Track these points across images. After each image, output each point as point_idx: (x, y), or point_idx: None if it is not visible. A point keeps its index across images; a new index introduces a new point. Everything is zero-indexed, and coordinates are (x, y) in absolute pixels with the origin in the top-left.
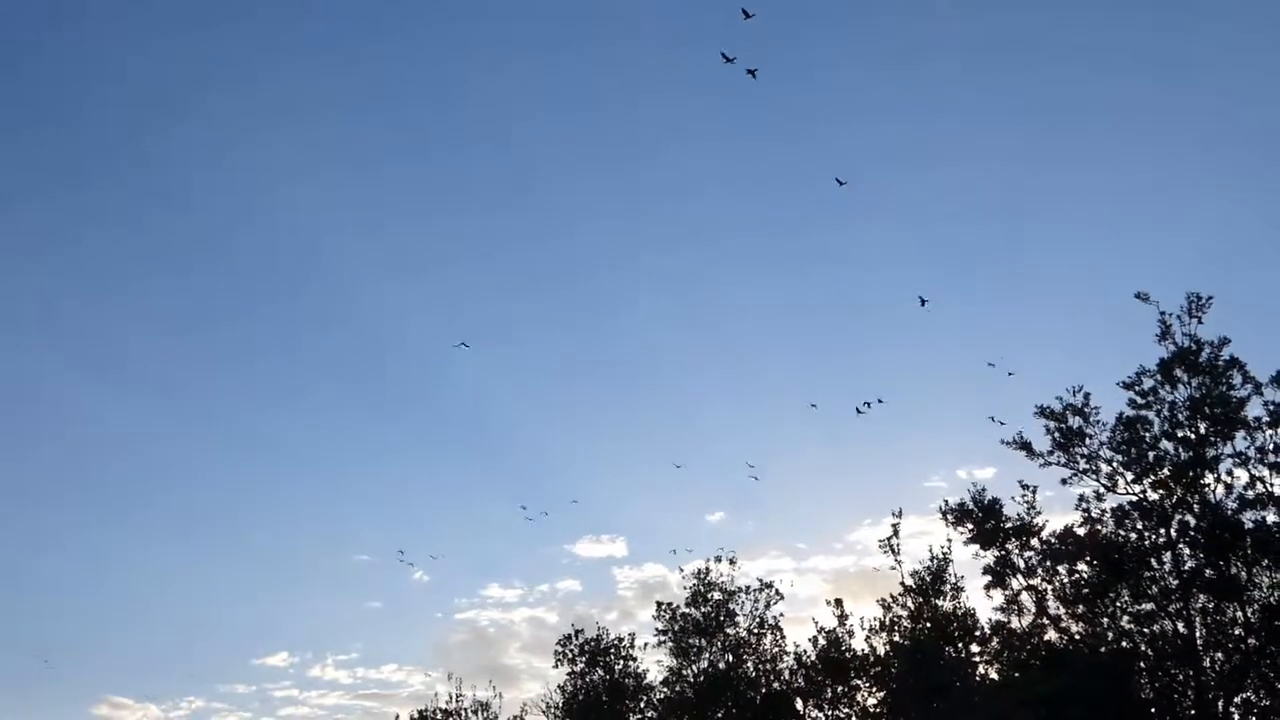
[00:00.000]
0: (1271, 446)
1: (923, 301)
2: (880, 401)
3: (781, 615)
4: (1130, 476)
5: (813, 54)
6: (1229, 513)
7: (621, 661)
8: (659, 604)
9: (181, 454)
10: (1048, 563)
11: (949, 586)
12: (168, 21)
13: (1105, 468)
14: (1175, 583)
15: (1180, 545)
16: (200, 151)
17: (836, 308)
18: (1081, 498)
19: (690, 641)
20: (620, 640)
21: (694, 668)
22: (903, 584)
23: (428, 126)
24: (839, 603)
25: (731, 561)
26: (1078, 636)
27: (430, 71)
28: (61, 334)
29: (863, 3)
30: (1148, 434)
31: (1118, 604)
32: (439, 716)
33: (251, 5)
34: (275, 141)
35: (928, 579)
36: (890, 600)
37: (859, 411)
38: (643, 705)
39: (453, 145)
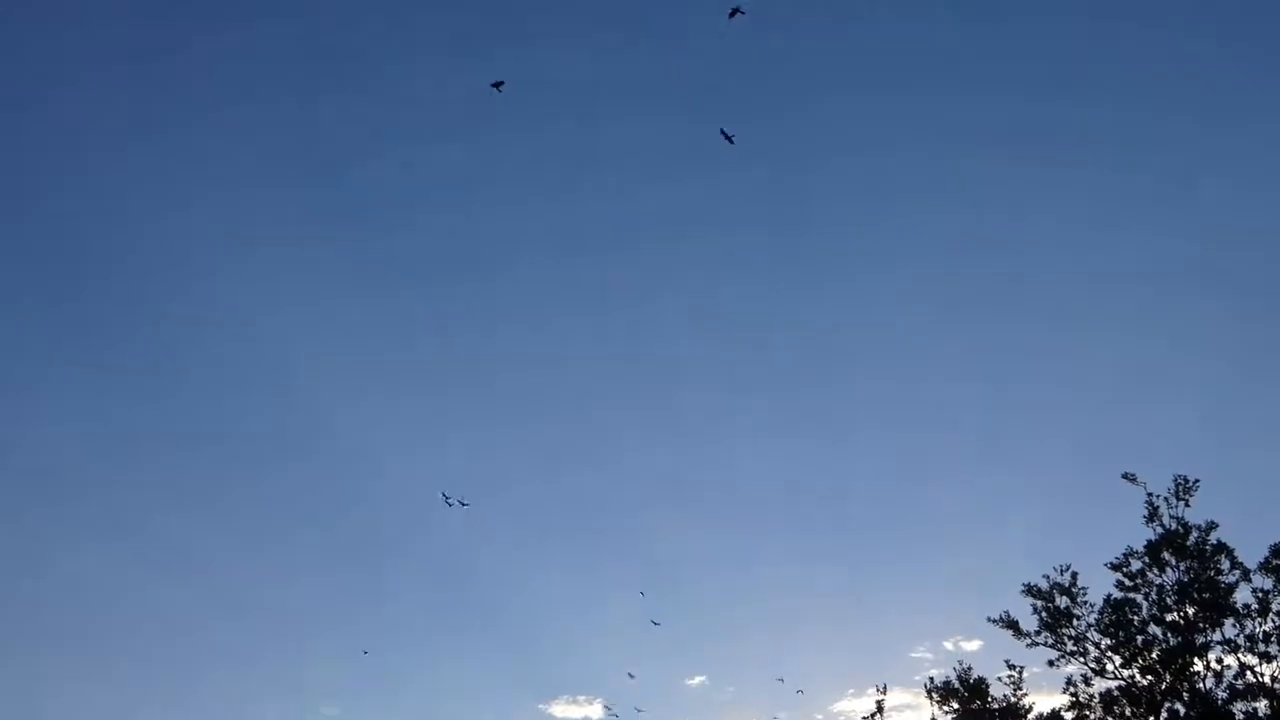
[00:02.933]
0: (1261, 634)
1: None
2: None
3: None
4: (1119, 660)
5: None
6: (1219, 702)
7: None
8: None
9: (146, 598)
10: None
11: None
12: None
13: (1093, 650)
14: None
15: None
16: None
17: (825, 475)
18: (1069, 680)
19: None
20: None
21: None
22: None
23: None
24: None
25: None
26: None
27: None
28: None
29: None
30: (1136, 617)
31: None
32: None
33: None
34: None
35: None
36: None
37: None
38: None
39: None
